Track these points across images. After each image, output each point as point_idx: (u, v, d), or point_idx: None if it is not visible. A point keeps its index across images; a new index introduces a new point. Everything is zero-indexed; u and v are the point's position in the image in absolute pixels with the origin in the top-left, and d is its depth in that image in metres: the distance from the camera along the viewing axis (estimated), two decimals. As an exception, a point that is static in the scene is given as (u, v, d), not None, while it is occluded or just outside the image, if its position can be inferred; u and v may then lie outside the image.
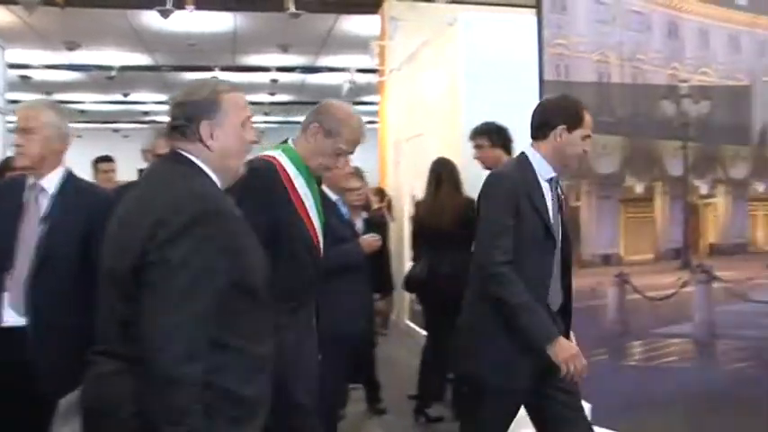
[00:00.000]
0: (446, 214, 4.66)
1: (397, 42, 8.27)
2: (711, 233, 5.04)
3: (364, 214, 4.69)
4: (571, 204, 4.61)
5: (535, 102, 4.60)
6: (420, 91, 7.55)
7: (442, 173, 4.74)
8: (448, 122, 6.17)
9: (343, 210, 4.04)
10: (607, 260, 4.79)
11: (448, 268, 4.59)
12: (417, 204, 4.85)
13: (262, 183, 2.32)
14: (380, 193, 7.45)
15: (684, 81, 4.93)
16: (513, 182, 2.73)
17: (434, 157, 5.03)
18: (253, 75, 14.99)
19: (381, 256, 4.38)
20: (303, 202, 2.45)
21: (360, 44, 10.82)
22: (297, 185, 2.44)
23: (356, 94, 16.43)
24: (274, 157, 2.45)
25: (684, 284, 4.83)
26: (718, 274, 4.88)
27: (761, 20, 5.00)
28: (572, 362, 2.53)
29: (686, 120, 4.91)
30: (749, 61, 5.03)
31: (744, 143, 4.95)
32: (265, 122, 21.63)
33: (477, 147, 4.46)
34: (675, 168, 4.91)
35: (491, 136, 4.44)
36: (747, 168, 4.99)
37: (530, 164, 2.80)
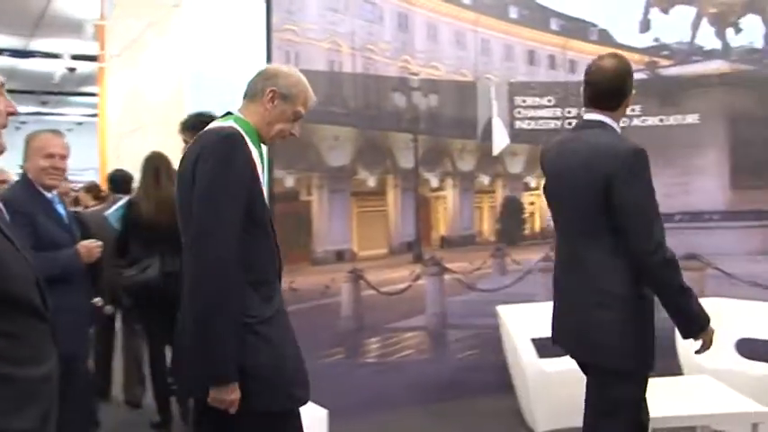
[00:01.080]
0: (174, 210, 4.21)
1: (119, 25, 7.57)
2: (442, 226, 5.13)
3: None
4: (302, 199, 4.42)
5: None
6: (143, 79, 6.95)
7: (161, 168, 4.29)
8: (172, 112, 5.69)
9: (61, 209, 3.42)
10: (340, 256, 4.65)
11: (177, 267, 4.17)
12: (135, 202, 4.32)
13: (242, 155, 2.09)
14: (95, 189, 6.39)
15: (415, 74, 4.95)
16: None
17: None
18: (-51, 57, 13.09)
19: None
20: (260, 178, 2.19)
21: (79, 27, 9.82)
22: (255, 157, 2.17)
23: (78, 83, 15.09)
24: (234, 128, 2.16)
25: (417, 277, 4.88)
26: (448, 265, 4.99)
27: (483, 19, 5.17)
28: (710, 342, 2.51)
29: (416, 113, 4.93)
30: (473, 58, 5.18)
31: (470, 137, 5.08)
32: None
33: (184, 142, 4.04)
34: (406, 161, 4.92)
35: (194, 132, 4.02)
36: (473, 162, 5.14)
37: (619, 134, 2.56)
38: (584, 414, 2.62)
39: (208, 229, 2.04)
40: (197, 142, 2.17)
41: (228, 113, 2.27)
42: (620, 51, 5.05)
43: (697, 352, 2.52)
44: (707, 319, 2.47)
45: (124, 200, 4.44)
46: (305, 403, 2.21)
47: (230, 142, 2.08)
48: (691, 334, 2.48)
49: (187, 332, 2.15)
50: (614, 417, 2.50)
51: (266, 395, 2.09)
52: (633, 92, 2.57)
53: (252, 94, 2.25)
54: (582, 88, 2.61)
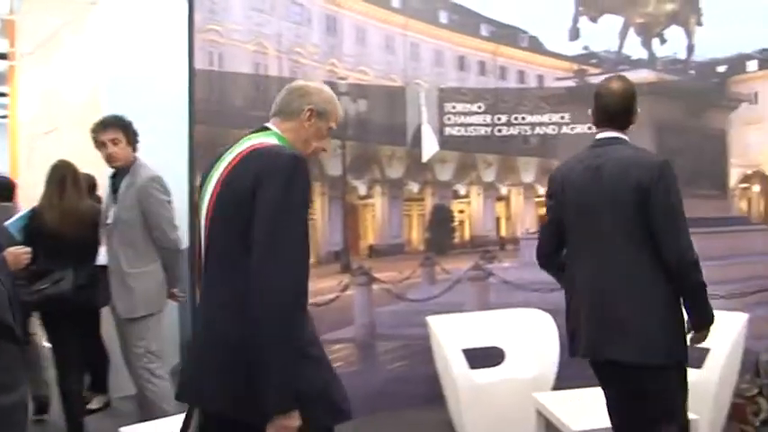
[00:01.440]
0: (79, 221, 4.04)
1: (29, 21, 7.20)
2: (370, 234, 5.03)
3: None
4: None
5: (184, 92, 4.22)
6: (57, 78, 6.63)
7: (67, 176, 4.09)
8: (89, 114, 5.41)
9: None
10: (266, 267, 4.49)
11: (85, 279, 3.99)
12: (39, 212, 4.10)
13: (307, 176, 2.07)
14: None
15: (343, 78, 4.84)
16: None
17: (72, 154, 4.36)
18: None
19: None
20: None
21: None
22: None
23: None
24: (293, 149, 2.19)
25: (345, 288, 4.76)
26: (377, 275, 4.89)
27: (412, 23, 5.10)
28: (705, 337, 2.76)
29: (344, 118, 4.77)
30: (403, 63, 5.10)
31: (399, 144, 5.00)
32: None
33: (113, 141, 3.81)
34: (334, 168, 4.80)
35: (127, 131, 3.83)
36: (402, 169, 5.06)
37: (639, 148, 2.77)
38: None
39: (280, 251, 1.98)
40: (252, 159, 2.09)
41: (265, 128, 2.23)
42: (549, 58, 5.17)
43: (692, 341, 2.74)
44: (714, 317, 2.73)
45: (25, 210, 4.23)
46: (350, 417, 2.19)
47: (298, 164, 2.05)
48: (701, 328, 2.71)
49: (243, 353, 2.04)
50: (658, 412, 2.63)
51: (317, 416, 2.08)
52: (639, 110, 2.76)
53: (288, 112, 2.25)
54: (591, 110, 2.79)
